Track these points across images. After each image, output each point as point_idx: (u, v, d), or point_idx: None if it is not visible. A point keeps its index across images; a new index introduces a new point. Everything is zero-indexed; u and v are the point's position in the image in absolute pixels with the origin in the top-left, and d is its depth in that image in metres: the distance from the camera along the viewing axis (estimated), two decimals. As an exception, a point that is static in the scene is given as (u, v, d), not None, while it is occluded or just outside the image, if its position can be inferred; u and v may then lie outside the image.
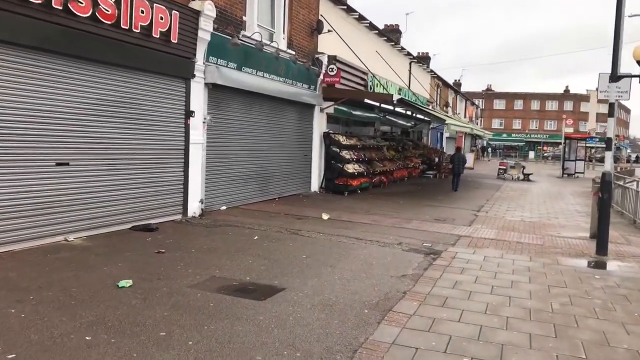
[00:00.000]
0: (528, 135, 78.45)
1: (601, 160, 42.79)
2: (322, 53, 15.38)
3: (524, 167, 28.14)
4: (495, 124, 78.88)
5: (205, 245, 7.79)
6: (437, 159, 27.02)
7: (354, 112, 17.93)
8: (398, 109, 19.63)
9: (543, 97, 79.15)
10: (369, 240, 8.68)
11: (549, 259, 7.94)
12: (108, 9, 7.86)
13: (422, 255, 7.79)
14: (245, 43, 11.55)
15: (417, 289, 5.99)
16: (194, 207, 10.26)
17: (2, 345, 3.98)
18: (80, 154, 7.91)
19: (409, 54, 25.34)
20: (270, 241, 8.27)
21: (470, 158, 33.05)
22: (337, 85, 15.85)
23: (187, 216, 10.05)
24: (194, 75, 10.02)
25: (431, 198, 16.17)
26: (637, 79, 8.54)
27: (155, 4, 8.71)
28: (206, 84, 10.48)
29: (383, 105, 18.67)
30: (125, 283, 5.61)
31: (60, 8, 7.16)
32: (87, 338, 4.20)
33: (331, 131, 16.39)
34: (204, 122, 10.51)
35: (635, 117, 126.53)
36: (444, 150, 32.24)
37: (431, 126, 30.08)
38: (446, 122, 20.47)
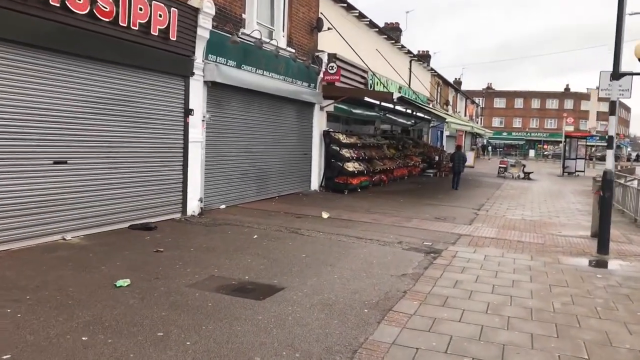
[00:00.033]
0: (528, 134, 78.38)
1: (601, 158, 42.78)
2: (322, 51, 15.32)
3: (524, 166, 28.10)
4: (496, 122, 78.81)
5: (204, 244, 7.74)
6: (437, 158, 26.98)
7: (354, 111, 17.88)
8: (398, 107, 19.57)
9: (543, 96, 79.05)
10: (369, 239, 8.64)
11: (550, 258, 7.89)
12: (106, 6, 7.80)
13: (423, 254, 7.74)
14: (245, 41, 11.49)
15: (417, 288, 5.95)
16: (193, 206, 10.21)
17: (-3, 346, 3.94)
18: (78, 152, 7.86)
19: (409, 52, 25.27)
20: (269, 240, 8.22)
21: (470, 156, 33.03)
22: (337, 84, 15.79)
23: (186, 215, 10.00)
24: (193, 73, 9.96)
25: (431, 197, 16.13)
26: (639, 76, 8.49)
27: (153, 2, 8.65)
28: (205, 82, 10.42)
29: (383, 104, 18.62)
30: (123, 282, 5.57)
31: (58, 5, 7.10)
32: (83, 338, 4.15)
33: (331, 129, 16.34)
34: (203, 121, 10.45)
35: (635, 116, 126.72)
36: (444, 149, 32.19)
37: (431, 125, 30.01)
38: (446, 120, 20.41)
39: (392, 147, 21.61)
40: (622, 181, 15.25)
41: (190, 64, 9.86)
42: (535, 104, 79.42)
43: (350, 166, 15.78)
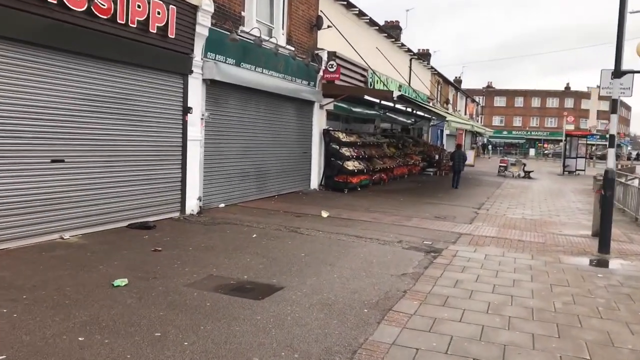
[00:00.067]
0: (528, 133, 78.32)
1: (602, 157, 42.75)
2: (321, 49, 15.26)
3: (524, 165, 28.05)
4: (496, 121, 78.76)
5: (202, 243, 7.69)
6: (437, 156, 26.94)
7: (354, 109, 17.83)
8: (398, 106, 19.52)
9: (544, 95, 78.97)
10: (369, 238, 8.59)
11: (550, 257, 7.85)
12: (104, 4, 7.75)
13: (423, 254, 7.70)
14: (244, 39, 11.44)
15: (417, 288, 5.90)
16: (192, 205, 10.16)
17: (-8, 346, 3.90)
18: (76, 150, 7.81)
19: (409, 50, 25.20)
20: (268, 239, 8.17)
21: (470, 155, 32.97)
22: (337, 82, 15.73)
23: (185, 214, 9.96)
24: (191, 71, 9.90)
25: (431, 195, 16.08)
26: (640, 75, 8.45)
27: (152, -1, 8.60)
28: (204, 80, 10.36)
29: (383, 102, 18.57)
30: (121, 282, 5.52)
31: (55, 2, 7.05)
32: (80, 339, 4.11)
33: (331, 128, 16.28)
34: (202, 119, 10.40)
35: (635, 115, 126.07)
36: (444, 148, 32.14)
37: (431, 123, 29.94)
38: (447, 119, 20.37)
39: (392, 146, 21.56)
40: (622, 180, 15.20)
41: (189, 61, 9.80)
42: (536, 102, 79.35)
43: (350, 165, 15.73)
